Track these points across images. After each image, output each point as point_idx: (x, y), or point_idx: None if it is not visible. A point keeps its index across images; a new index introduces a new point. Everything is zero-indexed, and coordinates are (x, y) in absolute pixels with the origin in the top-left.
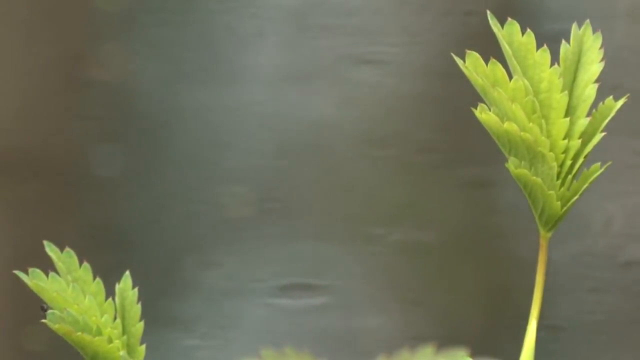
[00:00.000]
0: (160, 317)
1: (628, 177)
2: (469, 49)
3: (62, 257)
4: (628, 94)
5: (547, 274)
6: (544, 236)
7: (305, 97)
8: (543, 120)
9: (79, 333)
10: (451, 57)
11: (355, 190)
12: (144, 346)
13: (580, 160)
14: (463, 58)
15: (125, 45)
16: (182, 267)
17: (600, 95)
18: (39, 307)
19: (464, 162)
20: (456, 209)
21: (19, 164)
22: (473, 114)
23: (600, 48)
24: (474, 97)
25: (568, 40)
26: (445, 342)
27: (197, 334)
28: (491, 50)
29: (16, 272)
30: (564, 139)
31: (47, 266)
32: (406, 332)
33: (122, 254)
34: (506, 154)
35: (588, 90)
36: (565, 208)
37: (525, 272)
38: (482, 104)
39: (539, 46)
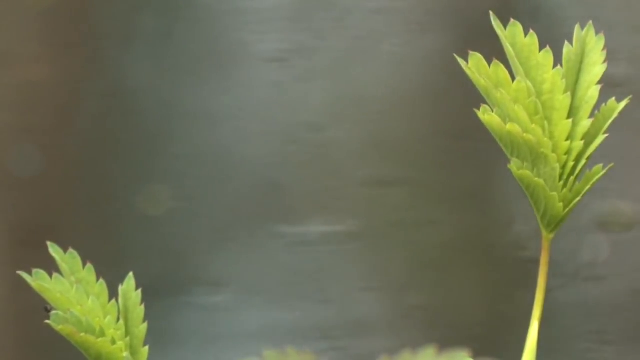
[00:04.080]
0: None
1: None
2: (378, 47)
3: (65, 258)
4: (631, 95)
5: (447, 268)
6: (546, 237)
7: (211, 94)
8: (546, 122)
9: (83, 334)
10: (359, 54)
11: (261, 187)
12: (147, 347)
13: (583, 161)
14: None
15: (55, 43)
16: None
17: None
18: (43, 307)
19: (369, 159)
20: (362, 206)
21: None
22: (381, 112)
23: (603, 49)
24: (390, 96)
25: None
26: (352, 340)
27: None
28: (406, 49)
29: (19, 272)
30: (567, 140)
31: None
32: (312, 329)
33: (34, 251)
34: (508, 155)
35: (591, 92)
36: (567, 209)
37: (436, 268)
38: (485, 105)
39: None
